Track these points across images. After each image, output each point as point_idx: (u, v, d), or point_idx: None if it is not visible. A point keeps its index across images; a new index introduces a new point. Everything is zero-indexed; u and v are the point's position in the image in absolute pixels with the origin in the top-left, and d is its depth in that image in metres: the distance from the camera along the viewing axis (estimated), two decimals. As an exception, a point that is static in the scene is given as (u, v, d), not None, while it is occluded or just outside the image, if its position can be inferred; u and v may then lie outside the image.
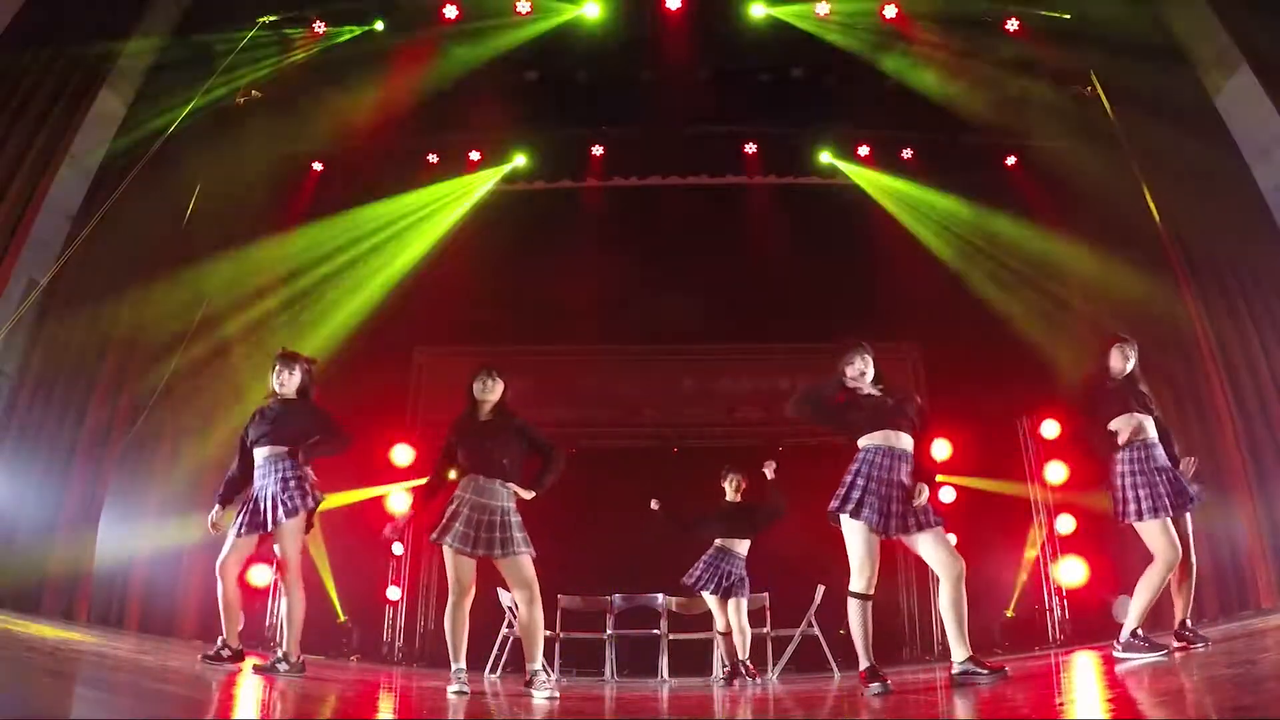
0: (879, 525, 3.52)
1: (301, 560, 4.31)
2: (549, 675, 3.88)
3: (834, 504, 3.60)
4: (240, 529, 4.28)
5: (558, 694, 3.81)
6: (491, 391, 4.16)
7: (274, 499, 4.24)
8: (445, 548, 3.93)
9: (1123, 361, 4.25)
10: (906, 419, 3.73)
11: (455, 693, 3.76)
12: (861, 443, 3.72)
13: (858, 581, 3.53)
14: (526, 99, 8.35)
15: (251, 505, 4.31)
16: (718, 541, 6.15)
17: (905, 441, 3.68)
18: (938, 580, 3.59)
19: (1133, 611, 3.97)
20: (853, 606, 3.54)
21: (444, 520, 3.96)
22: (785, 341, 9.91)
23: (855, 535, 3.55)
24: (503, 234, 9.24)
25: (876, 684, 3.46)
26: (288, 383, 4.49)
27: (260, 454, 4.37)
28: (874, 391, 3.79)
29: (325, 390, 8.56)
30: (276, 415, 4.43)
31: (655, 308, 9.73)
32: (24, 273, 6.26)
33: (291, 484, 4.26)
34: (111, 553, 6.51)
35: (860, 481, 3.58)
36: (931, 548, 3.54)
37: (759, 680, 5.89)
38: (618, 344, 10.01)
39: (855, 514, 3.53)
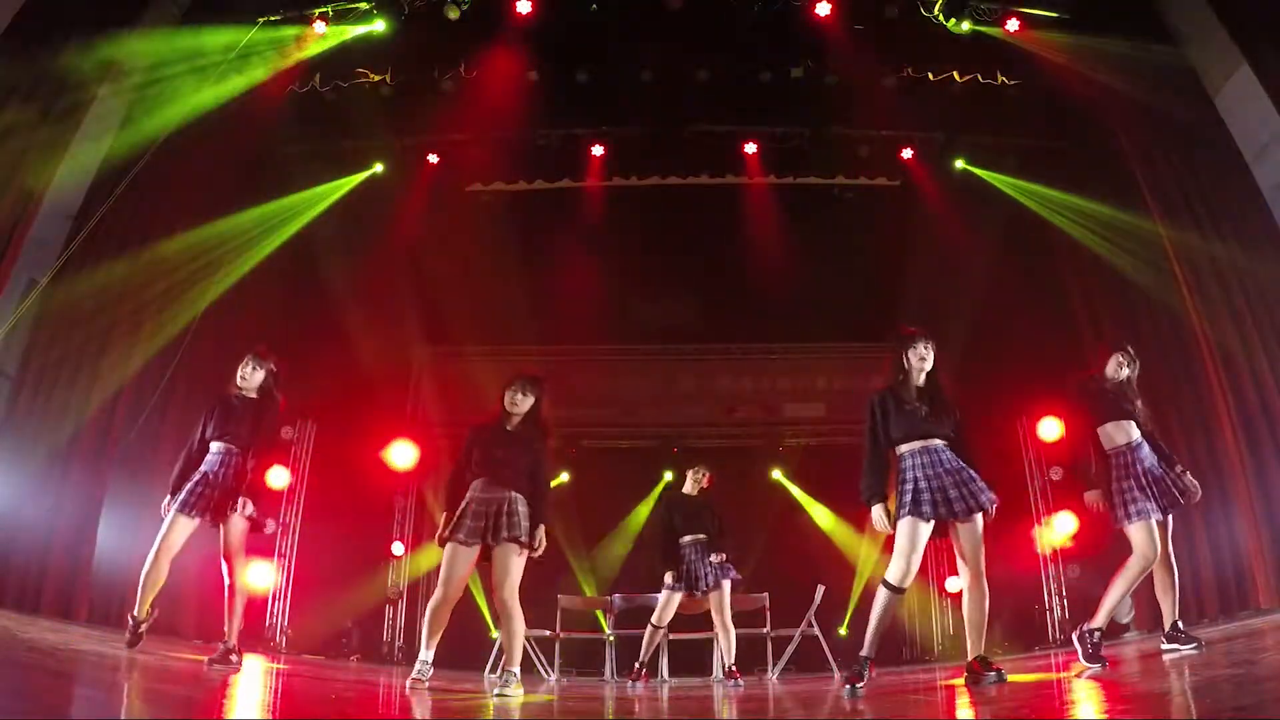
0: (929, 514, 3.53)
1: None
2: (515, 677, 3.85)
3: (898, 513, 3.62)
4: (188, 509, 4.36)
5: (512, 697, 3.77)
6: (521, 405, 4.15)
7: (229, 496, 4.38)
8: (447, 545, 3.93)
9: (1117, 370, 4.32)
10: (942, 429, 3.74)
11: (413, 678, 3.78)
12: (901, 449, 3.74)
13: (897, 573, 3.55)
14: (527, 99, 8.35)
15: (201, 491, 4.40)
16: (684, 539, 6.13)
17: (939, 444, 3.71)
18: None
19: (1102, 607, 4.01)
20: (882, 596, 3.57)
21: (454, 521, 3.97)
22: (785, 341, 9.93)
23: (907, 528, 3.57)
24: (503, 234, 9.24)
25: (849, 688, 3.51)
26: (250, 379, 4.61)
27: (215, 445, 4.50)
28: (919, 388, 3.79)
29: (326, 390, 8.64)
30: (237, 411, 4.54)
31: (655, 308, 9.74)
32: (24, 273, 6.26)
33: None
34: (111, 552, 6.50)
35: (908, 484, 3.62)
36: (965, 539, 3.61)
37: (740, 681, 5.88)
38: (618, 344, 10.02)
39: (914, 513, 3.55)
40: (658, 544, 6.20)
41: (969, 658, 3.56)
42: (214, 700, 2.91)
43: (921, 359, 3.80)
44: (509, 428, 4.15)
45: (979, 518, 3.61)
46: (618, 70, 8.19)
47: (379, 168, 8.99)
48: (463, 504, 4.00)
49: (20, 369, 6.50)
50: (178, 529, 4.36)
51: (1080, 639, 3.97)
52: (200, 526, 4.45)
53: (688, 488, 6.34)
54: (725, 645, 6.03)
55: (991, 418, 8.85)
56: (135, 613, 4.35)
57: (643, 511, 9.40)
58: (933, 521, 3.57)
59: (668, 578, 6.03)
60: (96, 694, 2.65)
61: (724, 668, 6.06)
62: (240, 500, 4.37)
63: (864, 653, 3.57)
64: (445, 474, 4.22)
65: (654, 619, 6.12)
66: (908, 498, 3.59)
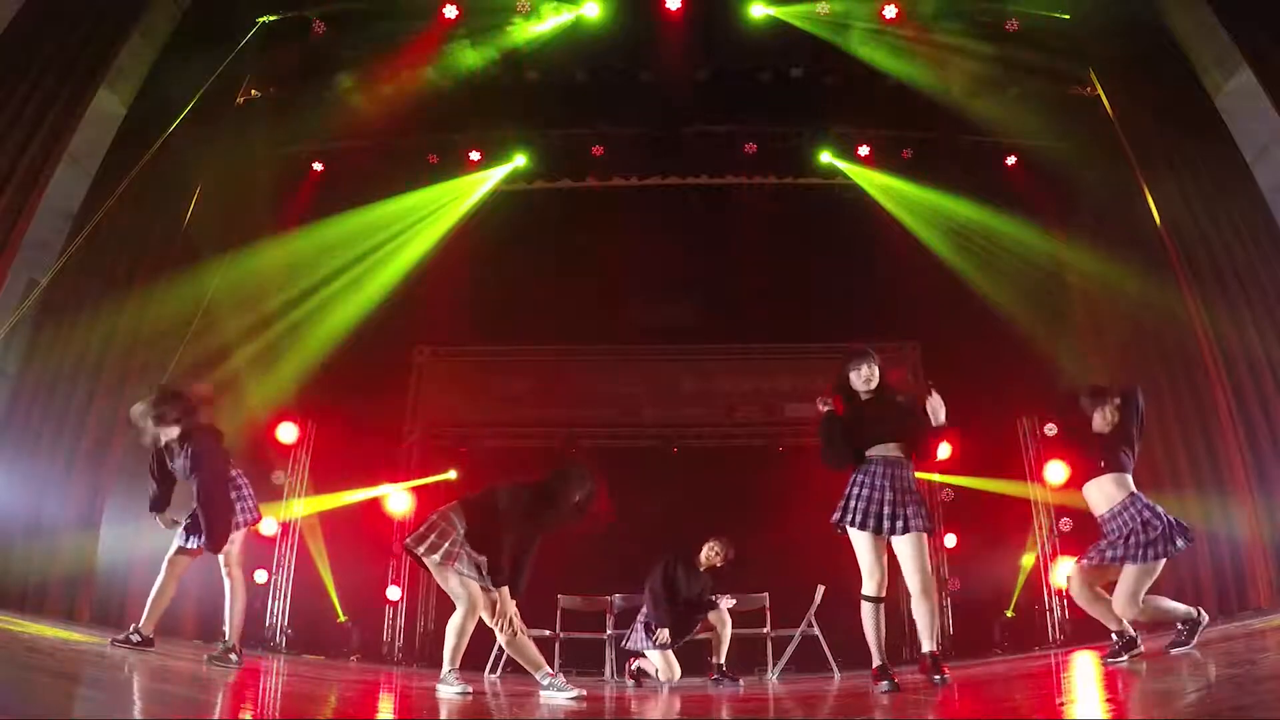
0: (873, 527, 3.70)
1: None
2: (557, 679, 3.88)
3: (834, 515, 3.80)
4: (187, 539, 4.51)
5: (559, 696, 3.78)
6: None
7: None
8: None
9: (1104, 424, 4.27)
10: (902, 429, 3.84)
11: (460, 693, 3.75)
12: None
13: (868, 585, 3.71)
14: (526, 99, 8.35)
15: (194, 524, 4.51)
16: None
17: (896, 450, 3.82)
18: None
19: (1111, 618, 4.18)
20: (865, 609, 3.73)
21: (448, 548, 3.92)
22: (785, 341, 9.91)
23: (859, 542, 3.74)
24: (503, 234, 9.24)
25: (885, 682, 3.60)
26: (166, 434, 4.47)
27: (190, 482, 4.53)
28: (866, 402, 3.88)
29: (326, 390, 8.64)
30: (184, 455, 4.45)
31: (655, 308, 9.73)
32: (24, 273, 6.26)
33: (236, 503, 4.52)
34: (113, 553, 6.50)
35: (856, 490, 3.77)
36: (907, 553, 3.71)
37: (739, 681, 5.89)
38: (618, 344, 10.00)
39: (853, 523, 3.72)
40: (658, 599, 6.03)
41: (930, 654, 3.65)
42: (214, 700, 2.92)
43: (867, 381, 3.87)
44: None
45: (918, 536, 3.70)
46: (618, 70, 8.19)
47: (380, 168, 9.01)
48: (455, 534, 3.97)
49: (21, 369, 6.50)
50: (189, 553, 4.52)
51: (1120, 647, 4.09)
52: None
53: (702, 558, 6.18)
54: (719, 641, 6.05)
55: (991, 418, 8.85)
56: (141, 627, 4.42)
57: (644, 510, 9.38)
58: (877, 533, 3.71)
59: (663, 634, 5.90)
60: (96, 694, 2.65)
61: (715, 665, 6.06)
62: (251, 514, 4.55)
63: (876, 664, 3.70)
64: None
65: (665, 679, 5.87)
66: (852, 505, 3.75)
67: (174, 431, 4.46)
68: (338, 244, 8.96)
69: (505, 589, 3.92)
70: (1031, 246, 8.65)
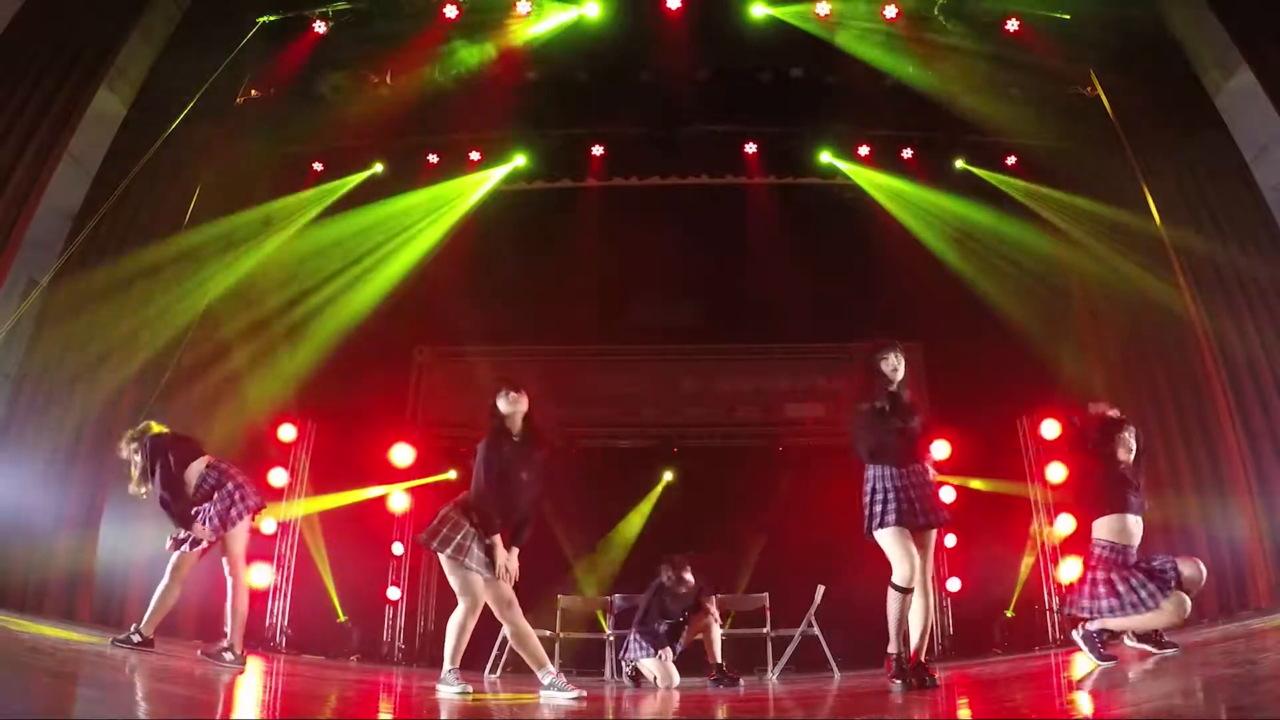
0: (905, 521, 3.68)
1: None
2: (560, 679, 3.87)
3: (865, 526, 3.76)
4: (181, 540, 4.57)
5: (560, 697, 3.77)
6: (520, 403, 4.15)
7: (218, 515, 4.52)
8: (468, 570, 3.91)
9: (1128, 453, 4.34)
10: (917, 436, 3.86)
11: (460, 693, 3.75)
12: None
13: (899, 575, 3.66)
14: (526, 99, 8.35)
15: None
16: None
17: (913, 445, 3.85)
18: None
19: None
20: (892, 597, 3.68)
21: (459, 541, 3.92)
22: (785, 341, 9.92)
23: (889, 538, 3.69)
24: (503, 234, 9.24)
25: (898, 681, 3.59)
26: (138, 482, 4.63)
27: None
28: (895, 400, 3.87)
29: (326, 390, 8.63)
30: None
31: (655, 308, 9.73)
32: (24, 273, 6.26)
33: (227, 498, 4.56)
34: (113, 553, 6.50)
35: (880, 495, 3.73)
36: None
37: (739, 681, 5.92)
38: (618, 344, 10.01)
39: (884, 525, 3.68)
40: (648, 624, 6.08)
41: (918, 658, 3.63)
42: (214, 700, 2.92)
43: (894, 370, 3.87)
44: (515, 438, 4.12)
45: (934, 532, 3.76)
46: (618, 70, 8.19)
47: (379, 168, 9.02)
48: (468, 527, 3.97)
49: (21, 369, 6.50)
50: (185, 561, 4.57)
51: (1087, 638, 4.10)
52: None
53: (668, 580, 6.17)
54: (710, 642, 6.07)
55: (991, 418, 8.86)
56: (142, 628, 4.44)
57: (644, 510, 9.39)
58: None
59: (668, 653, 5.95)
60: (96, 694, 2.65)
61: (713, 665, 6.07)
62: (247, 505, 4.59)
63: (891, 649, 3.68)
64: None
65: (664, 686, 5.82)
66: (877, 509, 3.72)
67: (146, 481, 4.61)
68: (338, 244, 8.96)
69: (498, 538, 3.91)
70: (1031, 246, 8.66)
